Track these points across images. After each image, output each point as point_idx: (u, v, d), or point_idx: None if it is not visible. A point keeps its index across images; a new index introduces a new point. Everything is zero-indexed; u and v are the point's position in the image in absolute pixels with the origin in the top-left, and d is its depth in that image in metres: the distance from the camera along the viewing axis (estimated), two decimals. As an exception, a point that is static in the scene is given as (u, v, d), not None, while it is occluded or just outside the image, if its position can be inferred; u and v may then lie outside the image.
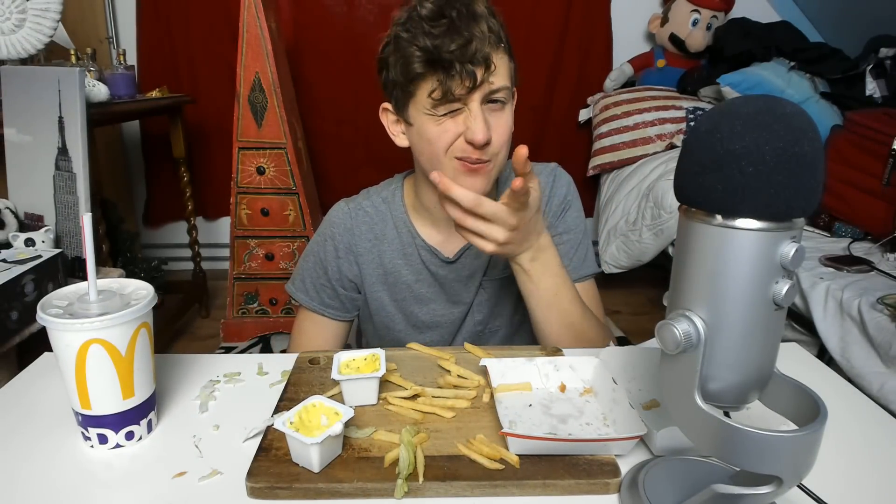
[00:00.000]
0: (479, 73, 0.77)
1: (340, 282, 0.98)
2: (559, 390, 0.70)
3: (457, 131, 0.81)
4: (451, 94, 0.78)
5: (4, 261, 1.22)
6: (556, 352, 0.79)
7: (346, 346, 1.12)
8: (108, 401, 0.60)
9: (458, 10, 0.77)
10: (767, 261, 0.42)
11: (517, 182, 0.71)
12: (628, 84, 2.89)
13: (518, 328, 1.02)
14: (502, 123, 0.83)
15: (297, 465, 0.57)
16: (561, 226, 0.99)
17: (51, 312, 0.57)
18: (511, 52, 0.83)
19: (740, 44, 2.52)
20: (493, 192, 0.96)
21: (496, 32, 0.78)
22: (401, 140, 0.89)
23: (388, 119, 0.90)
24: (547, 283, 0.84)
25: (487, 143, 0.80)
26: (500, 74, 0.79)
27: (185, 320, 2.54)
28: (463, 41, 0.75)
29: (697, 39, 2.71)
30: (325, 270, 0.98)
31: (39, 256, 1.26)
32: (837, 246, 1.80)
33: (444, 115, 0.80)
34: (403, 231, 0.96)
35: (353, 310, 1.02)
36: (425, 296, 0.98)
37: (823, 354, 1.50)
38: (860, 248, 1.77)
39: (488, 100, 0.80)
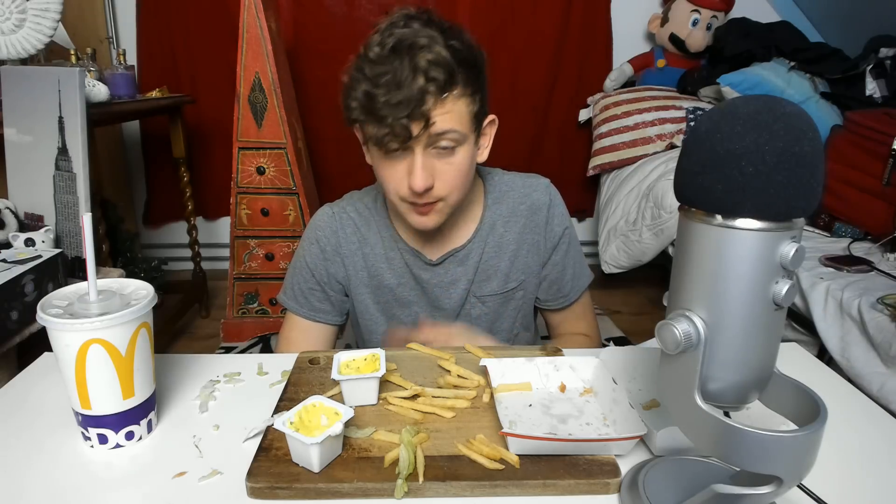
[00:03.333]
0: (416, 128, 0.75)
1: (329, 284, 0.98)
2: (559, 390, 0.70)
3: (401, 173, 0.81)
4: (385, 144, 0.77)
5: (4, 261, 1.22)
6: (556, 352, 0.79)
7: (347, 346, 1.12)
8: (108, 401, 0.60)
9: (401, 59, 0.74)
10: (767, 261, 0.42)
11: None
12: (628, 84, 2.88)
13: (514, 342, 1.04)
14: (450, 169, 0.81)
15: (297, 465, 0.57)
16: (561, 251, 1.00)
17: (51, 312, 0.57)
18: (476, 90, 0.80)
19: (740, 44, 2.52)
20: (480, 203, 0.97)
21: (441, 82, 0.75)
22: (368, 158, 0.89)
23: (359, 136, 0.89)
24: None
25: (429, 190, 0.80)
26: (445, 122, 0.77)
27: (185, 320, 2.54)
28: (400, 97, 0.74)
29: (697, 39, 2.71)
30: (312, 274, 0.98)
31: (39, 256, 1.26)
32: (837, 246, 1.80)
33: (389, 157, 0.80)
34: (386, 235, 0.97)
35: (343, 312, 1.02)
36: (407, 299, 0.99)
37: (823, 354, 1.50)
38: (860, 248, 1.77)
39: (436, 146, 0.79)
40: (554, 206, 1.00)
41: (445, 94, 0.76)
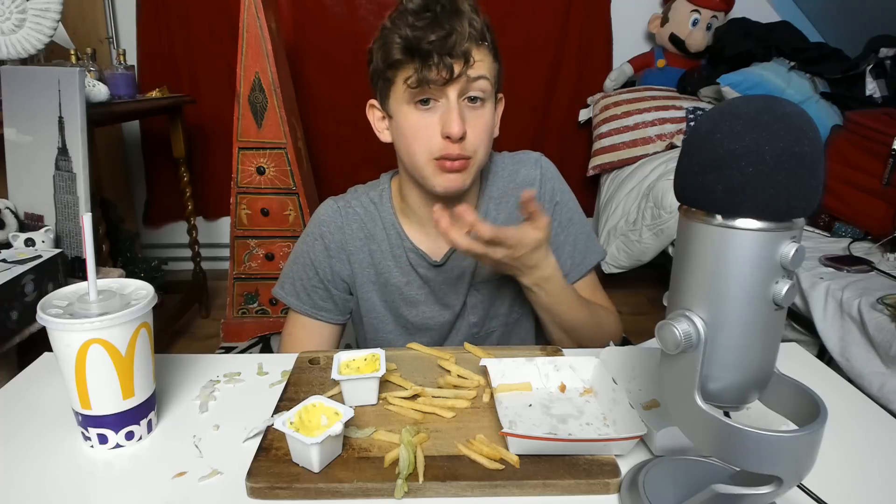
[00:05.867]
0: (458, 67, 0.78)
1: (333, 282, 0.96)
2: (559, 390, 0.70)
3: (433, 126, 0.82)
4: (427, 83, 0.79)
5: (4, 261, 1.22)
6: (556, 352, 0.79)
7: (347, 346, 1.12)
8: (108, 401, 0.60)
9: (442, 6, 0.79)
10: (767, 261, 0.42)
11: (525, 197, 0.79)
12: (628, 84, 2.89)
13: (513, 327, 1.02)
14: (480, 122, 0.83)
15: (297, 465, 0.57)
16: (553, 228, 0.97)
17: (51, 312, 0.57)
18: (496, 54, 0.84)
19: (740, 44, 2.52)
20: (475, 189, 0.96)
21: (479, 30, 0.80)
22: (385, 136, 0.90)
23: (374, 115, 0.91)
24: (550, 300, 0.88)
25: (463, 138, 0.81)
26: (480, 67, 0.81)
27: (185, 320, 2.54)
28: (444, 33, 0.77)
29: (697, 39, 2.71)
30: (315, 271, 0.96)
31: (39, 256, 1.26)
32: (837, 246, 1.80)
33: (422, 107, 0.82)
34: (392, 233, 0.95)
35: (346, 312, 1.00)
36: (415, 298, 0.97)
37: (823, 354, 1.50)
38: (860, 248, 1.77)
39: (467, 96, 0.82)
40: (546, 181, 0.98)
41: (481, 42, 0.81)
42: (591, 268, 1.01)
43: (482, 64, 0.81)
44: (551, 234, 0.96)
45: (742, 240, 0.42)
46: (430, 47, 0.77)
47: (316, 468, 0.56)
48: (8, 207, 1.47)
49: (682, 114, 2.53)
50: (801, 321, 1.63)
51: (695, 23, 2.69)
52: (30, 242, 1.38)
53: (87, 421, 0.60)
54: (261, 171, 2.17)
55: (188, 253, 2.59)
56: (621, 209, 2.46)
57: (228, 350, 2.28)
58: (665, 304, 0.52)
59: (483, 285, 0.97)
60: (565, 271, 0.98)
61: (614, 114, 2.63)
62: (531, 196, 0.79)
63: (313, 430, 0.57)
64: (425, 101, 0.81)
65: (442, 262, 0.95)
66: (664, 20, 2.78)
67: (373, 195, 0.98)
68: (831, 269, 1.62)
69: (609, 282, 2.90)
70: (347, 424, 0.59)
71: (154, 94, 2.28)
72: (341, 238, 0.96)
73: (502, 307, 0.99)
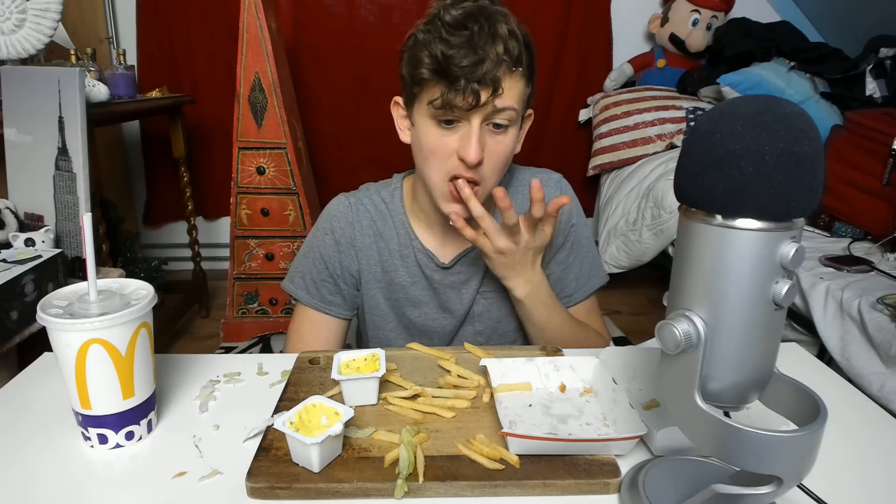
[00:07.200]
0: (485, 94, 0.76)
1: (342, 277, 0.97)
2: (559, 390, 0.70)
3: (452, 146, 0.81)
4: (451, 107, 0.77)
5: (4, 261, 1.22)
6: (556, 352, 0.79)
7: (347, 346, 1.12)
8: (108, 401, 0.60)
9: (480, 25, 0.76)
10: (767, 261, 0.42)
11: (552, 206, 0.82)
12: (628, 84, 2.89)
13: (524, 341, 1.02)
14: (499, 149, 0.82)
15: (297, 465, 0.57)
16: (566, 249, 0.99)
17: (51, 312, 0.57)
18: (531, 76, 0.82)
19: (740, 44, 2.52)
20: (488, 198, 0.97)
21: (514, 56, 0.77)
22: (405, 136, 0.89)
23: (397, 113, 0.90)
24: (539, 312, 0.91)
25: (479, 164, 0.80)
26: (509, 97, 0.78)
27: (185, 320, 2.54)
28: (476, 59, 0.74)
29: (697, 39, 2.71)
30: (325, 265, 0.96)
31: (39, 256, 1.26)
32: (837, 246, 1.80)
33: (444, 126, 0.80)
34: (402, 232, 0.96)
35: (353, 307, 1.00)
36: (419, 299, 0.98)
37: (823, 354, 1.50)
38: (860, 248, 1.77)
39: (491, 122, 0.80)
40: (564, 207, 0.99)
41: (515, 69, 0.78)
42: (593, 291, 1.02)
43: (511, 93, 0.78)
44: (562, 259, 0.99)
45: (742, 240, 0.42)
46: (460, 73, 0.74)
47: (316, 468, 0.56)
48: (8, 207, 1.47)
49: (682, 114, 2.53)
50: (801, 321, 1.63)
51: (695, 23, 2.69)
52: (30, 242, 1.38)
53: (87, 421, 0.60)
54: (261, 171, 2.17)
55: (188, 253, 2.59)
56: (621, 209, 2.46)
57: (228, 350, 2.28)
58: (665, 304, 0.52)
59: (491, 294, 0.97)
60: (569, 292, 1.00)
61: (614, 114, 2.63)
62: (562, 204, 0.82)
63: (313, 430, 0.57)
64: (449, 122, 0.80)
65: (450, 265, 0.95)
66: (664, 20, 2.78)
67: (384, 194, 0.98)
68: (831, 269, 1.62)
69: (609, 282, 2.91)
70: (347, 424, 0.59)
71: (154, 94, 2.28)
72: (351, 234, 0.96)
73: (512, 322, 0.99)
